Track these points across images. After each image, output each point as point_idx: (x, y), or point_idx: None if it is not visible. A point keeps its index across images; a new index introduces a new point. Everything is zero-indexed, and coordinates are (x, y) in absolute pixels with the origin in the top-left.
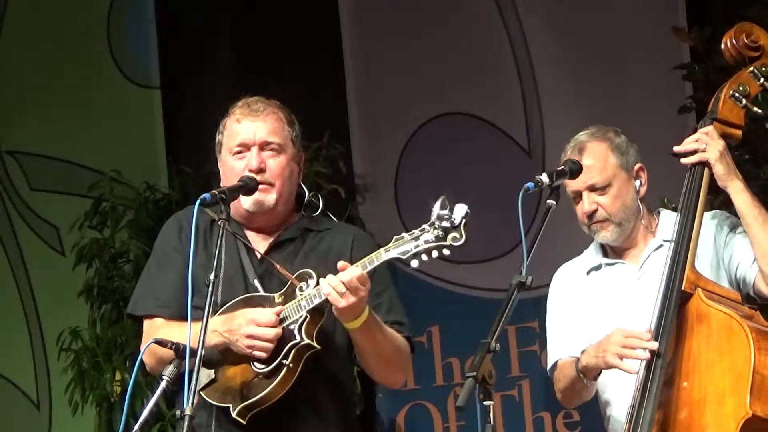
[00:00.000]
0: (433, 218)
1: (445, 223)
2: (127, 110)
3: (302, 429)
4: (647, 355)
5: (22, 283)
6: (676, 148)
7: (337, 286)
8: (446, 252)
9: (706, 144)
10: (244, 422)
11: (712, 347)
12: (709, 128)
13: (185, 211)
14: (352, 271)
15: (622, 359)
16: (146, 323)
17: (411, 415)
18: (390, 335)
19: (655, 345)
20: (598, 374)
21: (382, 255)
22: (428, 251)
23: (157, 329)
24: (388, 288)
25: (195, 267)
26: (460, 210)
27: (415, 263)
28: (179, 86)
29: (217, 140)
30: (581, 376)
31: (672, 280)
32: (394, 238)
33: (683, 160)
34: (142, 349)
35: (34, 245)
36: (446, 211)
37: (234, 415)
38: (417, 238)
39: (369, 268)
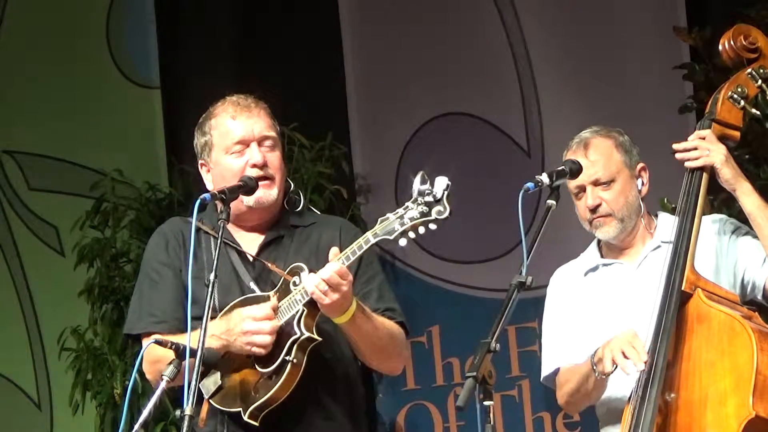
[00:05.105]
0: (414, 194)
1: (428, 198)
2: (127, 110)
3: (314, 423)
4: (636, 369)
5: (20, 282)
6: (675, 146)
7: (318, 284)
8: (432, 226)
9: (708, 149)
10: (257, 424)
11: (713, 347)
12: (708, 132)
13: (168, 224)
14: (332, 267)
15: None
16: (145, 342)
17: (411, 415)
18: (381, 323)
19: (642, 367)
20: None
21: (370, 239)
22: (414, 228)
23: (156, 346)
24: (377, 275)
25: (188, 277)
26: (441, 183)
27: (403, 242)
28: (179, 86)
29: (201, 142)
30: (594, 368)
31: (672, 280)
32: (379, 220)
33: (688, 164)
34: (138, 357)
35: (32, 245)
36: (427, 186)
37: (246, 418)
38: (401, 217)
39: (358, 253)
